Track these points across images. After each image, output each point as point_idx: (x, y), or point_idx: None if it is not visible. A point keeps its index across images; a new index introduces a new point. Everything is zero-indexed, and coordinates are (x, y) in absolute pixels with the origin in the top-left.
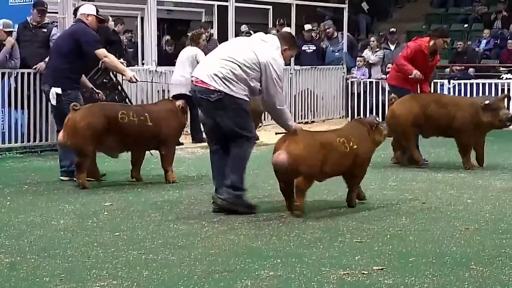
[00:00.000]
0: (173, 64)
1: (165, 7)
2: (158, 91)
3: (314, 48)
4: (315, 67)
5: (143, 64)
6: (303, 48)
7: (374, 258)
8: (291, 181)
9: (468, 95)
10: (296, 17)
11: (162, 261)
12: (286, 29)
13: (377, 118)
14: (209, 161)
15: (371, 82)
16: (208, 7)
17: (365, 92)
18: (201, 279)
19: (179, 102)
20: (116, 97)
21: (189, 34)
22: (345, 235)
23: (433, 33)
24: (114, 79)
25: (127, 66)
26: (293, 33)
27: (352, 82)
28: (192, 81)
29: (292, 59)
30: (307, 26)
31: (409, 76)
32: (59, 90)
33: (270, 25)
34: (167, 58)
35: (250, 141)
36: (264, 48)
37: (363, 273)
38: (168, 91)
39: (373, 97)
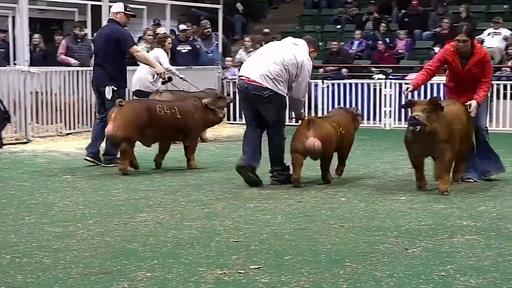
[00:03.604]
0: (47, 64)
1: (37, 6)
2: (31, 92)
3: (190, 48)
4: (191, 68)
5: (15, 64)
6: (178, 48)
7: (251, 257)
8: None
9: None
10: (170, 17)
11: (36, 264)
12: (160, 29)
13: (358, 110)
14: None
15: None
16: (82, 7)
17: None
18: (77, 281)
19: (206, 100)
20: None
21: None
22: (222, 235)
23: None
24: None
25: None
26: (168, 32)
27: (227, 82)
28: (242, 79)
29: (168, 59)
30: (182, 26)
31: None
32: (115, 87)
33: (145, 25)
34: (38, 59)
35: (283, 133)
36: (299, 50)
37: (240, 273)
38: (42, 93)
39: None
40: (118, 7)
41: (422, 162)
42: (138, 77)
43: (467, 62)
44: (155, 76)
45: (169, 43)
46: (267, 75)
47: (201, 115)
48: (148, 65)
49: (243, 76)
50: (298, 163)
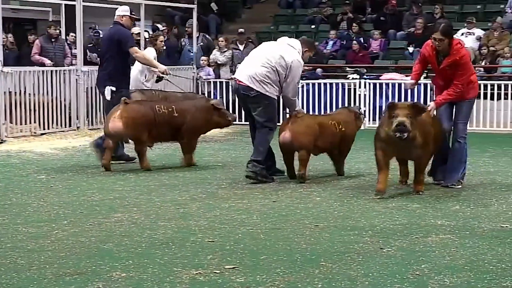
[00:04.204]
0: (20, 64)
1: (10, 5)
2: (5, 92)
3: (164, 48)
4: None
5: None
6: None
7: (226, 257)
8: (293, 153)
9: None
10: (145, 17)
11: (10, 265)
12: (135, 29)
13: (360, 109)
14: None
15: (221, 82)
16: (55, 6)
17: (215, 91)
18: (51, 282)
19: (213, 101)
20: None
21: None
22: (197, 235)
23: None
24: None
25: None
26: (142, 32)
27: (202, 82)
28: (234, 80)
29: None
30: (159, 27)
31: None
32: (113, 88)
33: None
34: (9, 58)
35: (272, 131)
36: (290, 51)
37: (215, 273)
38: (16, 92)
39: (223, 96)
40: (124, 10)
41: (388, 164)
42: (131, 77)
43: (442, 61)
44: (147, 75)
45: (161, 41)
46: (254, 77)
47: (204, 115)
48: (148, 65)
49: (235, 77)
50: (286, 162)
